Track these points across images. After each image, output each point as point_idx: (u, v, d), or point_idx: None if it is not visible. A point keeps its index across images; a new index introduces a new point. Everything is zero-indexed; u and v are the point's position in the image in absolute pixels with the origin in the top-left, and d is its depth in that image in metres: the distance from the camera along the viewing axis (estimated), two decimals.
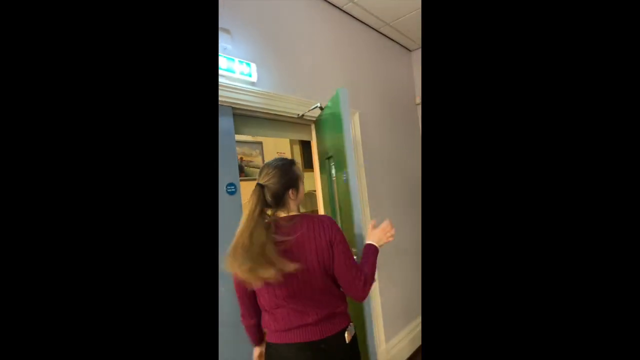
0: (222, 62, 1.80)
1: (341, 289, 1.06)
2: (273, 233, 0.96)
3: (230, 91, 1.89)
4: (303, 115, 2.38)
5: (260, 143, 5.03)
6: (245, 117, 2.15)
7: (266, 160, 3.65)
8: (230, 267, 0.96)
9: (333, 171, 2.08)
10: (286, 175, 1.07)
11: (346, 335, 1.02)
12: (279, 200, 1.05)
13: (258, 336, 1.17)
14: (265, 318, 1.05)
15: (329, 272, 1.02)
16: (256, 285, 0.95)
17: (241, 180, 4.87)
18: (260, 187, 1.04)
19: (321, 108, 2.28)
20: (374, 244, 1.12)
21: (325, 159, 2.19)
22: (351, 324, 1.06)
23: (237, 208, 1.87)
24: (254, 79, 2.01)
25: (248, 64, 1.98)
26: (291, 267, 0.92)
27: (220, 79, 1.83)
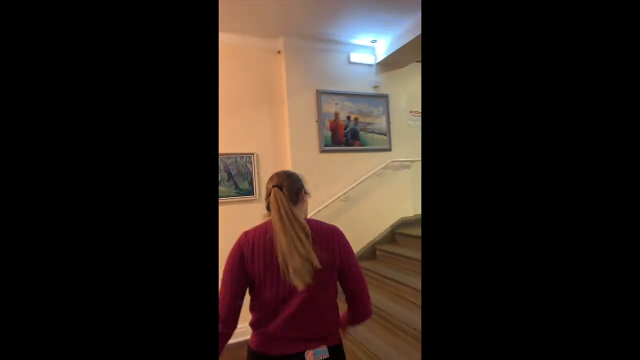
0: None
1: (330, 309, 0.97)
2: (309, 233, 0.94)
3: None
4: None
5: (385, 97, 3.36)
6: None
7: (392, 121, 2.85)
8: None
9: None
10: (296, 178, 1.02)
11: (307, 355, 0.91)
12: (297, 198, 0.99)
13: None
14: (260, 319, 0.97)
15: (331, 284, 0.95)
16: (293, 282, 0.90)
17: (353, 151, 3.40)
18: (278, 187, 0.97)
19: None
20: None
21: None
22: (323, 347, 0.92)
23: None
24: None
25: None
26: (305, 281, 0.89)
27: None
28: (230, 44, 2.80)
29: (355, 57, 3.18)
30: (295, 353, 0.91)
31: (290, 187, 0.97)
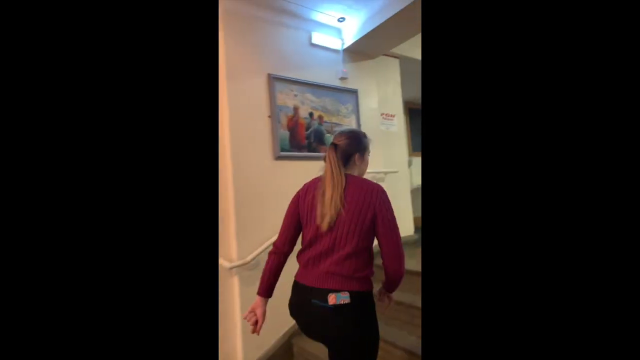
0: None
1: (361, 255, 1.03)
2: (344, 187, 1.06)
3: None
4: None
5: (355, 92, 2.67)
6: None
7: (363, 123, 2.50)
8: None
9: None
10: (356, 140, 1.14)
11: (329, 297, 0.98)
12: (347, 161, 1.12)
13: (271, 281, 1.18)
14: (301, 252, 1.12)
15: (357, 234, 1.00)
16: (319, 223, 1.05)
17: (318, 158, 2.39)
18: (334, 147, 1.12)
19: None
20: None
21: None
22: (346, 293, 0.98)
23: None
24: None
25: None
26: (327, 223, 1.02)
27: None
28: None
29: (318, 38, 2.46)
30: (319, 288, 1.00)
31: (343, 150, 1.10)
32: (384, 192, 1.04)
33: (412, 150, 4.35)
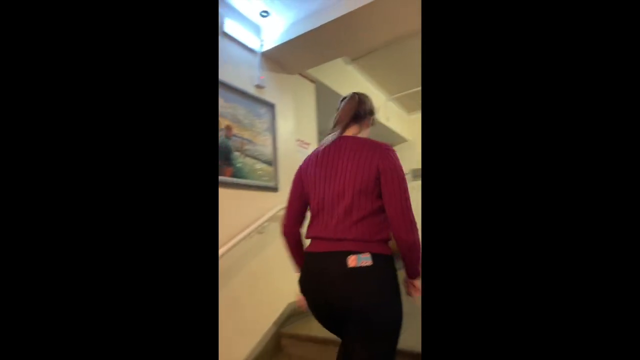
0: None
1: (375, 218, 0.94)
2: (339, 146, 1.01)
3: None
4: None
5: (272, 107, 2.15)
6: None
7: (279, 146, 2.11)
8: None
9: None
10: (368, 102, 1.10)
11: (349, 259, 0.88)
12: (359, 119, 1.06)
13: (298, 259, 1.09)
14: (310, 222, 1.04)
15: (364, 195, 0.93)
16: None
17: (222, 185, 1.82)
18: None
19: None
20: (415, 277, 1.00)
21: None
22: (367, 254, 0.88)
23: None
24: None
25: None
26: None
27: None
28: None
29: (232, 27, 1.89)
30: (336, 251, 0.90)
31: (357, 110, 1.08)
32: (392, 150, 0.96)
33: None
